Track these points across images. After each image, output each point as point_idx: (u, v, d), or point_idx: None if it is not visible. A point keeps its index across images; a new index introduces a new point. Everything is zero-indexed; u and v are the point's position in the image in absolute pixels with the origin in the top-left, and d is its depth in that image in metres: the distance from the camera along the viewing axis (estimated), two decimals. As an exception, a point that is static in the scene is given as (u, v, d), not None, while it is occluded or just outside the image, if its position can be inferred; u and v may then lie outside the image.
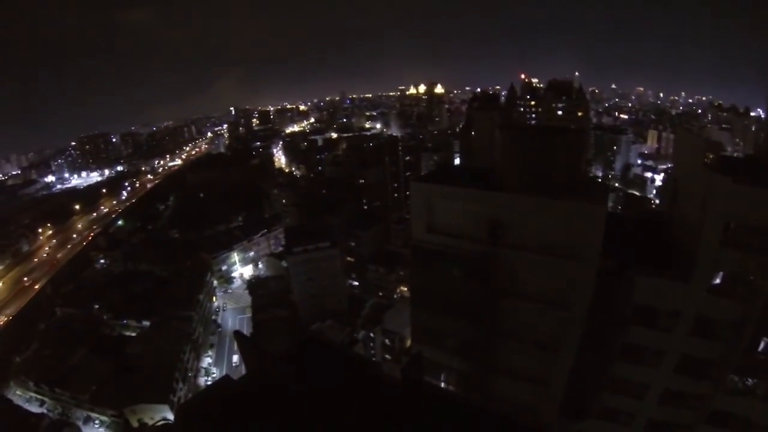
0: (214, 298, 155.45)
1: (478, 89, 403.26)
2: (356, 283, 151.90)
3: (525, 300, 33.26)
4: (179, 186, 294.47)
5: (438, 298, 37.29)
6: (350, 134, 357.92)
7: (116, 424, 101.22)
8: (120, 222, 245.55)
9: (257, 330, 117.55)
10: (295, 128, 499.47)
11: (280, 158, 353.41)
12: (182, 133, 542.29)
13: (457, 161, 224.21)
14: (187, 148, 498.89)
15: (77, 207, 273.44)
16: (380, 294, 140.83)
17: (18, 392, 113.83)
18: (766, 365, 30.95)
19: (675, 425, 34.74)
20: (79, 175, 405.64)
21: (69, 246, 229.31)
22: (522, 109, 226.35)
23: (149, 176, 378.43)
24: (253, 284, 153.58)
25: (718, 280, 29.96)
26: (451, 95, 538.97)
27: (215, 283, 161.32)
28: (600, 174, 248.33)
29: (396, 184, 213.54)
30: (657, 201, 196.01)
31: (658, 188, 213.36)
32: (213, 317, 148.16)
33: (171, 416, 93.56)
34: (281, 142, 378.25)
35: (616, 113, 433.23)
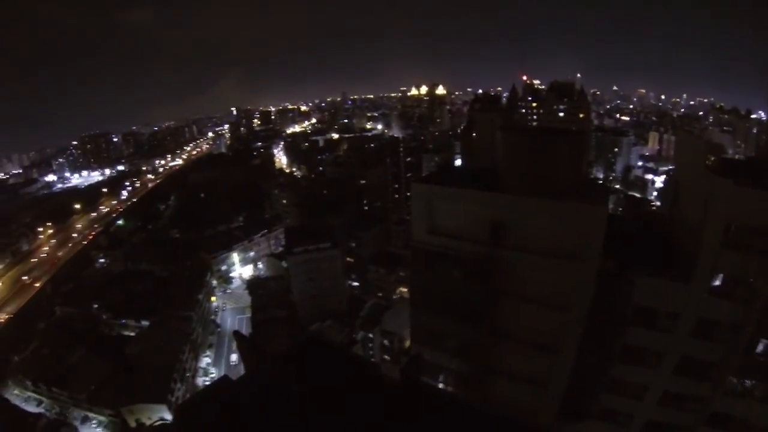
0: (213, 298, 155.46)
1: (480, 90, 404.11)
2: (356, 284, 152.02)
3: (525, 301, 33.19)
4: (180, 186, 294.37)
5: (438, 299, 37.22)
6: (351, 135, 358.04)
7: (114, 423, 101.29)
8: (120, 221, 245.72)
9: (256, 330, 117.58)
10: (297, 129, 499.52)
11: (281, 158, 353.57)
12: (183, 133, 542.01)
13: (458, 162, 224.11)
14: (189, 148, 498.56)
15: (78, 206, 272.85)
16: (380, 295, 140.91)
17: (16, 392, 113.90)
18: (765, 367, 30.92)
19: (674, 427, 34.69)
20: (80, 175, 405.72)
21: (69, 245, 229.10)
22: (523, 111, 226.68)
23: (150, 176, 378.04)
24: (252, 284, 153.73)
25: (718, 282, 29.92)
26: (453, 96, 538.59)
27: (215, 283, 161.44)
28: (601, 176, 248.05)
29: (397, 185, 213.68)
30: (658, 203, 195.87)
31: (659, 190, 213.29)
32: (212, 317, 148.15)
33: (169, 416, 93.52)
34: (282, 143, 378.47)
35: (618, 115, 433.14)
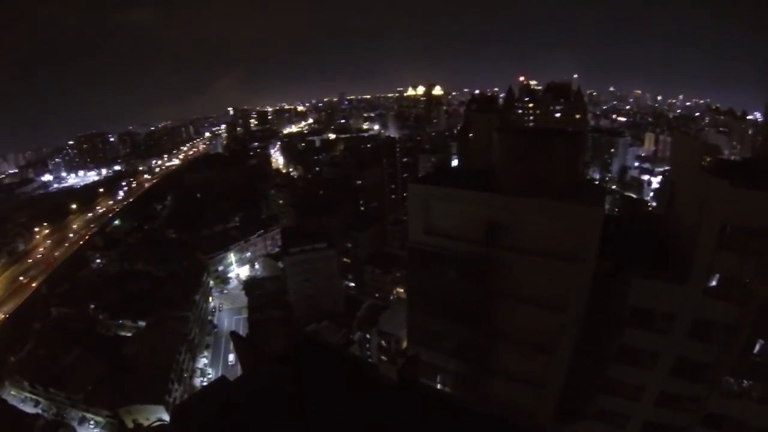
0: (210, 299, 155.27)
1: (477, 91, 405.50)
2: (353, 285, 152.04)
3: (521, 302, 33.26)
4: (176, 186, 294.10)
5: (435, 299, 37.26)
6: (348, 135, 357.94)
7: (111, 424, 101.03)
8: (117, 222, 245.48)
9: (253, 330, 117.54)
10: (293, 129, 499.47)
11: (277, 159, 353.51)
12: (180, 133, 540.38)
13: (454, 163, 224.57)
14: (185, 148, 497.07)
15: (74, 206, 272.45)
16: (376, 295, 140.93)
17: (13, 392, 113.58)
18: (761, 367, 31.00)
19: (670, 427, 34.76)
20: (77, 175, 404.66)
21: (65, 245, 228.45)
22: (520, 112, 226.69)
23: (146, 176, 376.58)
24: (249, 285, 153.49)
25: (713, 283, 30.01)
26: (450, 97, 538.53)
27: (212, 283, 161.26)
28: (597, 176, 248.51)
29: (393, 186, 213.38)
30: (654, 203, 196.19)
31: (655, 191, 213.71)
32: (209, 318, 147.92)
33: (166, 417, 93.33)
34: (279, 143, 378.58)
35: (614, 116, 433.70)
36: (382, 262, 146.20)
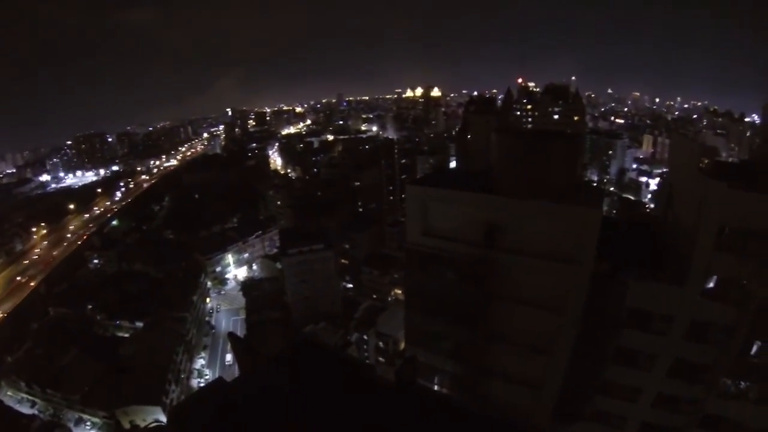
0: (208, 300, 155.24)
1: (475, 93, 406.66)
2: (350, 286, 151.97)
3: (519, 303, 33.23)
4: (174, 186, 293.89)
5: (432, 301, 37.24)
6: (346, 136, 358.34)
7: (108, 425, 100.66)
8: (115, 222, 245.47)
9: (251, 331, 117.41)
10: (291, 130, 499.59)
11: (275, 160, 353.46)
12: (178, 134, 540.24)
13: (452, 164, 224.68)
14: (183, 149, 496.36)
15: (72, 206, 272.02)
16: (374, 296, 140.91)
17: (9, 393, 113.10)
18: (758, 369, 31.04)
19: (667, 429, 34.78)
20: (74, 175, 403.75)
21: (63, 245, 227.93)
22: (518, 113, 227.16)
23: (145, 176, 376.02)
24: (247, 286, 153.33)
25: (711, 284, 30.04)
26: (448, 98, 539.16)
27: (209, 284, 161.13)
28: (595, 178, 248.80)
29: (391, 187, 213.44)
30: (652, 205, 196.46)
31: (653, 193, 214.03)
32: (207, 318, 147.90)
33: (163, 418, 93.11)
34: (277, 144, 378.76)
35: (612, 118, 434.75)
36: (379, 263, 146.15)
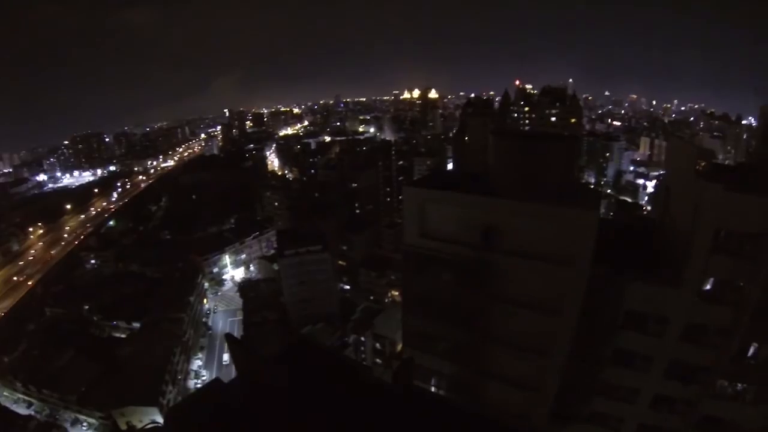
0: (205, 301, 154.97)
1: (472, 95, 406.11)
2: (347, 287, 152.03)
3: (516, 305, 33.20)
4: (172, 187, 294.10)
5: (429, 302, 37.23)
6: (344, 138, 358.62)
7: (104, 426, 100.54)
8: (112, 222, 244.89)
9: (248, 333, 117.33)
10: (289, 131, 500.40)
11: (273, 161, 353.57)
12: (176, 134, 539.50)
13: (450, 166, 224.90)
14: (181, 149, 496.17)
15: (69, 206, 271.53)
16: (371, 298, 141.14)
17: (5, 393, 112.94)
18: (755, 370, 31.11)
19: (664, 430, 34.84)
20: (72, 175, 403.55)
21: (60, 246, 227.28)
22: (516, 115, 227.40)
23: (142, 177, 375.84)
24: (244, 287, 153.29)
25: (708, 286, 30.10)
26: (445, 100, 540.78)
27: (206, 285, 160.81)
28: (592, 180, 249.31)
29: (388, 189, 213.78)
30: (649, 207, 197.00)
31: (650, 195, 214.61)
32: (204, 319, 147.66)
33: (160, 419, 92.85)
34: (274, 145, 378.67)
35: (609, 120, 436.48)
36: (376, 264, 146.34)
